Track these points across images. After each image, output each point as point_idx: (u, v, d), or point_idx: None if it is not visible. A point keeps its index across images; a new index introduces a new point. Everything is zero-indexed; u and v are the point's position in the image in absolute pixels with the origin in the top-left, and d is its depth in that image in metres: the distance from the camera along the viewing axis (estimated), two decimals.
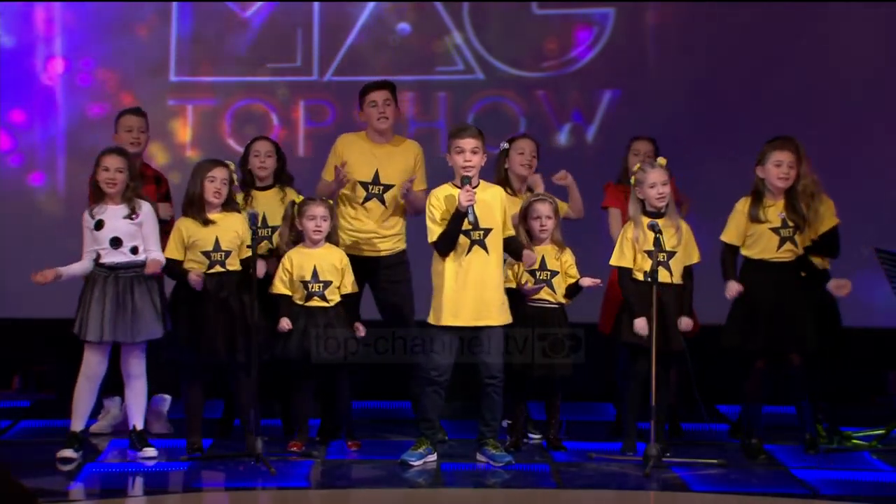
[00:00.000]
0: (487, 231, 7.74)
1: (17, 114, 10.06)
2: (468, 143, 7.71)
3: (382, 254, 8.35)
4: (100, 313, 7.76)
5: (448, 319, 7.72)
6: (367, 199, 8.36)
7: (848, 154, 9.66)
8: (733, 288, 7.86)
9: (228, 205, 7.98)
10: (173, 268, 7.92)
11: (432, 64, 10.09)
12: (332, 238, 8.09)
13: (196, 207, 7.92)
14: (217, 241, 7.89)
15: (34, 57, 10.06)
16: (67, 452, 7.81)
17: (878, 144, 9.91)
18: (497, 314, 7.76)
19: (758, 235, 7.89)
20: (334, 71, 10.07)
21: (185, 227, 7.93)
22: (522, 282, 8.01)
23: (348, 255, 8.22)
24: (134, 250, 7.86)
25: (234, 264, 7.93)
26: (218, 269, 7.89)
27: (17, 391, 9.91)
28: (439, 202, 7.75)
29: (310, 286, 7.98)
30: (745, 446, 8.00)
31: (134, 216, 7.86)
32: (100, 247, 7.83)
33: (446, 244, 7.71)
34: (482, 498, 7.42)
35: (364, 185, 8.36)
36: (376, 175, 8.35)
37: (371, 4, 10.06)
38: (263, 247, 8.09)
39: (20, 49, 10.06)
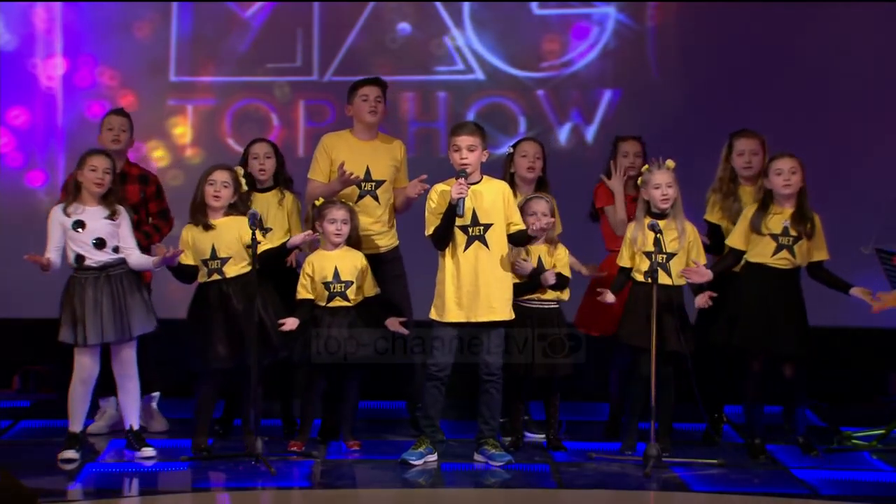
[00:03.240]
0: (487, 227, 7.75)
1: (17, 114, 10.06)
2: (464, 140, 7.73)
3: (381, 250, 8.35)
4: (97, 316, 7.75)
5: (449, 315, 7.73)
6: (361, 196, 8.35)
7: (848, 154, 9.66)
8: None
9: (234, 208, 7.97)
10: (189, 273, 7.95)
11: (432, 64, 10.09)
12: (352, 241, 8.10)
13: (198, 213, 7.93)
14: (213, 249, 7.88)
15: (34, 57, 10.07)
16: (69, 454, 7.81)
17: (878, 145, 9.91)
18: (498, 310, 7.75)
19: (757, 239, 7.93)
20: (334, 71, 10.07)
21: (190, 233, 7.94)
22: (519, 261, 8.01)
23: None
24: (115, 249, 7.88)
25: (233, 270, 7.91)
26: (216, 276, 7.89)
27: (17, 391, 9.90)
28: (437, 196, 7.78)
29: (332, 287, 7.99)
30: (748, 446, 8.01)
31: (115, 218, 7.87)
32: (80, 249, 7.82)
33: (439, 238, 7.73)
34: (482, 498, 7.42)
35: (356, 182, 8.36)
36: (367, 172, 8.34)
37: (371, 4, 10.06)
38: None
39: (20, 49, 10.06)
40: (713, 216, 8.30)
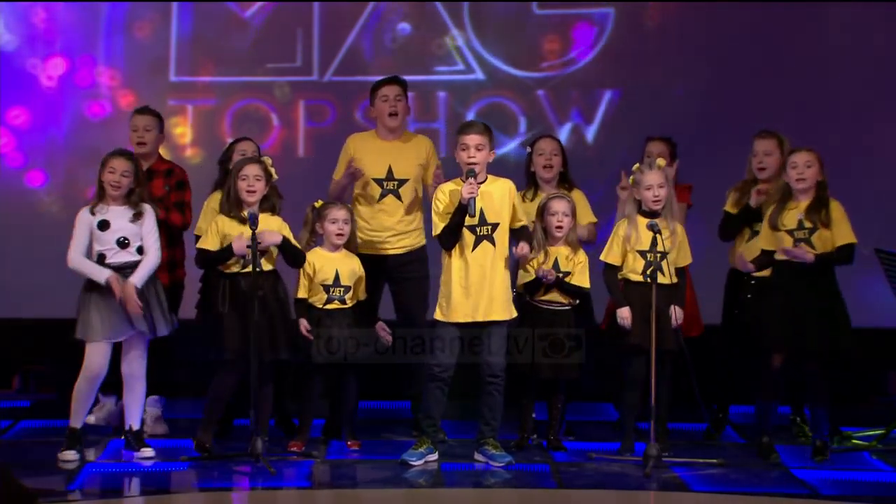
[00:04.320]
0: (495, 226, 7.75)
1: (17, 114, 10.06)
2: (472, 139, 7.73)
3: (400, 251, 8.34)
4: (108, 314, 7.74)
5: (455, 315, 7.73)
6: (382, 195, 8.36)
7: (848, 154, 9.66)
8: None
9: (267, 200, 7.91)
10: (206, 257, 7.89)
11: (432, 64, 10.09)
12: (350, 244, 8.10)
13: (233, 206, 7.89)
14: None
15: (34, 57, 10.06)
16: (69, 454, 7.80)
17: (877, 144, 9.92)
18: (502, 309, 7.76)
19: (778, 236, 7.93)
20: (334, 71, 10.07)
21: (224, 223, 7.89)
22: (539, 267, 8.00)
23: (366, 254, 8.28)
24: (140, 250, 7.86)
25: (267, 265, 7.88)
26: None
27: (17, 391, 9.91)
28: (444, 196, 7.77)
29: (331, 290, 8.00)
30: (758, 445, 8.00)
31: (139, 218, 7.85)
32: (104, 247, 7.81)
33: (448, 238, 7.72)
34: (482, 498, 7.41)
35: (378, 181, 8.35)
36: (389, 170, 8.35)
37: (371, 4, 10.07)
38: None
39: (20, 49, 10.06)
40: (728, 207, 8.36)
